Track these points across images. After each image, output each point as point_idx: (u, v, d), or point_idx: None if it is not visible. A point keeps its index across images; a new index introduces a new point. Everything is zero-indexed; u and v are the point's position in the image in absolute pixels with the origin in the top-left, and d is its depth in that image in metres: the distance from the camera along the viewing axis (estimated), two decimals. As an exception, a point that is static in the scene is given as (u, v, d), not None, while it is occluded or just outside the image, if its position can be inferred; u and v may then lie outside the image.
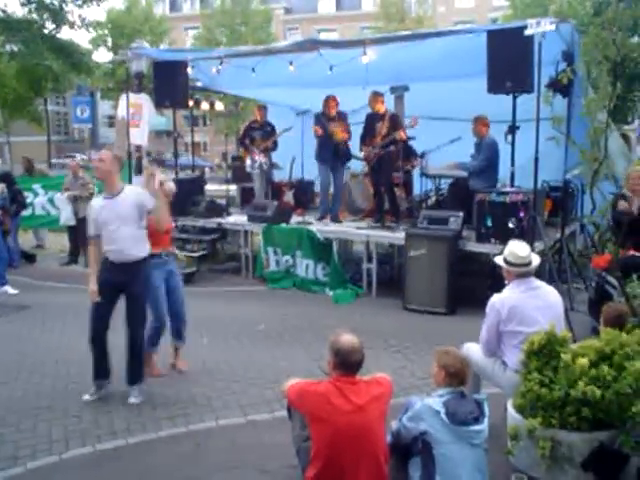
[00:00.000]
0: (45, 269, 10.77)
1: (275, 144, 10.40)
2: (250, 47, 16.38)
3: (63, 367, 5.90)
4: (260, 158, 10.15)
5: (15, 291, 8.91)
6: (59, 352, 6.32)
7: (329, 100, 9.15)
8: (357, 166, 10.29)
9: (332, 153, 9.15)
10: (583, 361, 3.57)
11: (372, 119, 8.92)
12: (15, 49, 19.40)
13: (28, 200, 11.86)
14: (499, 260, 4.49)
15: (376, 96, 8.88)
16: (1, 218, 9.59)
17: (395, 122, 8.79)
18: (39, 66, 21.75)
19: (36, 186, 12.22)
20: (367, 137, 8.93)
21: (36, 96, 28.59)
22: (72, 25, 18.43)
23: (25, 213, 11.70)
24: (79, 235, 10.82)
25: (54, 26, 18.38)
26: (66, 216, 10.87)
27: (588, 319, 6.45)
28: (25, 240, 12.15)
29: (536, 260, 4.43)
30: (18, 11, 18.41)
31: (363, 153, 9.08)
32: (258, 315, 7.60)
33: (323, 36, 44.83)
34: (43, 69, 22.61)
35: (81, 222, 10.66)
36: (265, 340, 6.74)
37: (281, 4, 54.36)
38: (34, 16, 17.98)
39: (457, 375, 3.62)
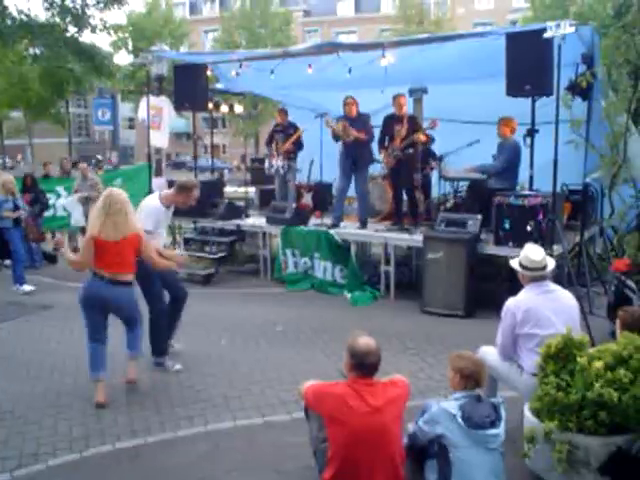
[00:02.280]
0: (67, 270, 10.84)
1: (297, 145, 10.38)
2: (269, 50, 16.47)
3: (84, 366, 5.92)
4: (278, 162, 10.19)
5: (31, 287, 9.09)
6: (80, 351, 6.35)
7: (347, 101, 9.00)
8: (375, 168, 10.30)
9: (353, 157, 8.97)
10: (599, 364, 3.56)
11: (390, 121, 8.90)
12: (38, 52, 19.66)
13: (50, 202, 12.03)
14: (514, 264, 4.50)
15: (402, 98, 8.85)
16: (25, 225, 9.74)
17: (414, 124, 8.77)
18: (61, 69, 22.02)
19: (59, 188, 12.38)
20: (386, 140, 8.91)
21: (58, 98, 28.93)
22: (94, 28, 18.61)
23: (47, 214, 11.87)
24: None
25: (76, 29, 18.56)
26: (76, 218, 10.99)
27: (607, 323, 6.40)
28: (46, 241, 12.29)
29: (551, 264, 4.43)
30: (41, 15, 18.65)
31: (382, 156, 9.05)
32: (276, 316, 7.63)
33: (342, 38, 44.87)
34: (65, 72, 22.88)
35: None
36: (283, 341, 6.77)
37: (300, 6, 54.51)
38: (57, 20, 18.18)
39: (472, 377, 3.64)
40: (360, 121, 8.97)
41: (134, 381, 5.44)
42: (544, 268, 4.35)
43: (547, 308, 4.21)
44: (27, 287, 9.12)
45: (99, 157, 31.20)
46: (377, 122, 9.39)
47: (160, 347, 5.90)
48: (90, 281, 5.12)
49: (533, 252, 4.40)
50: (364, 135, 8.85)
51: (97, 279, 5.08)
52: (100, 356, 5.22)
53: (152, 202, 5.83)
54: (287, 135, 10.25)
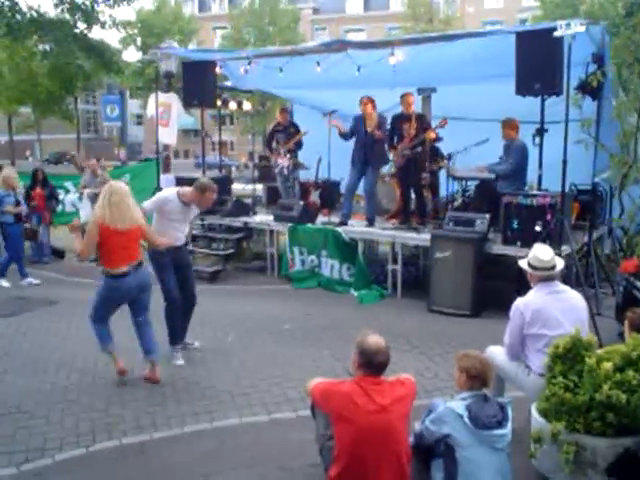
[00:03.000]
0: (74, 265, 10.92)
1: (298, 144, 10.45)
2: (278, 47, 16.46)
3: (90, 361, 6.00)
4: (283, 162, 10.24)
5: (8, 284, 9.12)
6: (86, 347, 6.41)
7: (363, 100, 8.93)
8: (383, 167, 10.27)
9: (367, 154, 8.91)
10: (607, 365, 3.54)
11: (399, 120, 8.90)
12: (48, 48, 19.71)
13: (60, 197, 12.07)
14: (523, 264, 4.48)
15: (410, 96, 8.85)
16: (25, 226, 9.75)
17: (423, 122, 8.75)
18: (71, 65, 22.09)
19: (68, 183, 12.41)
20: (395, 139, 8.90)
21: (67, 95, 29.03)
22: (103, 25, 18.64)
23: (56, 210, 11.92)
24: None
25: (85, 26, 18.61)
26: (86, 214, 11.01)
27: (615, 324, 6.37)
28: (55, 236, 12.33)
29: (560, 264, 4.41)
30: (51, 11, 18.71)
31: (392, 156, 9.05)
32: (283, 314, 7.64)
33: (351, 36, 44.86)
34: (74, 68, 22.96)
35: None
36: (289, 339, 6.77)
37: (309, 4, 54.50)
38: (66, 16, 18.22)
39: (479, 377, 3.62)
40: (379, 121, 8.89)
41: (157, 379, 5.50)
42: (553, 268, 4.33)
43: (556, 308, 4.19)
44: (4, 283, 9.19)
45: (74, 153, 31.61)
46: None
47: (173, 336, 6.02)
48: (115, 281, 5.25)
49: (542, 252, 4.38)
50: (381, 134, 8.79)
51: (121, 277, 5.22)
52: (108, 332, 5.49)
53: (166, 192, 6.02)
54: (288, 134, 10.31)
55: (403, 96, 8.86)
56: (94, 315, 5.46)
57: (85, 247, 5.24)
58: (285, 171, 10.32)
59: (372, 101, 8.90)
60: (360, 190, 9.44)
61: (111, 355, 5.51)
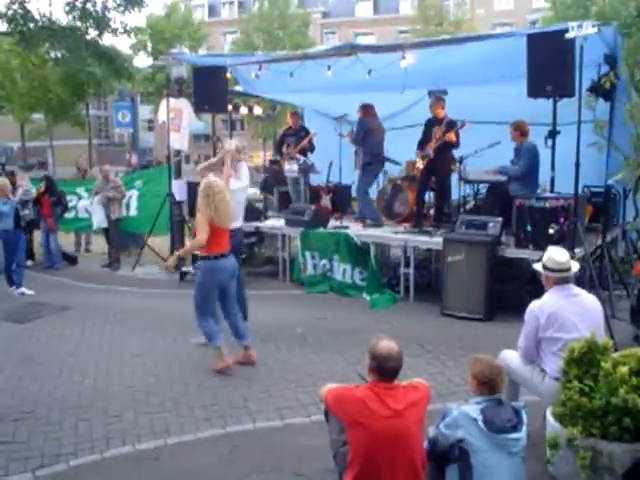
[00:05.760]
0: (87, 271, 10.97)
1: (310, 146, 10.52)
2: (289, 52, 16.47)
3: (103, 367, 6.03)
4: (302, 157, 10.32)
5: (32, 292, 9.12)
6: (100, 352, 6.46)
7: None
8: (394, 170, 10.27)
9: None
10: (624, 369, 3.51)
11: (431, 124, 8.94)
12: (59, 56, 19.83)
13: (72, 203, 12.11)
14: (538, 266, 4.46)
15: (438, 101, 8.89)
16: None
17: (450, 127, 8.72)
18: (82, 72, 22.20)
19: (80, 189, 12.45)
20: (424, 141, 8.96)
21: (78, 101, 29.21)
22: (114, 31, 18.73)
23: (68, 216, 11.96)
24: (112, 237, 11.09)
25: (97, 33, 18.70)
26: (98, 219, 11.04)
27: (630, 327, 6.33)
28: (67, 242, 12.40)
29: (575, 266, 4.39)
30: (62, 19, 18.81)
31: (417, 157, 9.11)
32: (295, 319, 7.64)
33: (360, 40, 44.77)
34: (86, 75, 23.07)
35: (113, 224, 10.94)
36: (302, 344, 6.76)
37: (319, 8, 54.47)
38: (78, 23, 18.32)
39: (487, 384, 3.60)
40: (357, 124, 9.52)
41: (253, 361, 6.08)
42: (568, 270, 4.30)
43: (571, 312, 4.16)
44: (27, 291, 9.18)
45: (40, 159, 32.02)
46: (397, 124, 9.39)
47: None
48: (215, 261, 5.82)
49: (557, 254, 4.35)
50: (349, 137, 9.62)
51: (219, 256, 5.84)
52: (218, 328, 5.99)
53: None
54: (299, 138, 10.40)
55: (432, 102, 8.98)
56: (204, 310, 5.96)
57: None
58: (308, 162, 10.37)
59: (362, 108, 9.42)
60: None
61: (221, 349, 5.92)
